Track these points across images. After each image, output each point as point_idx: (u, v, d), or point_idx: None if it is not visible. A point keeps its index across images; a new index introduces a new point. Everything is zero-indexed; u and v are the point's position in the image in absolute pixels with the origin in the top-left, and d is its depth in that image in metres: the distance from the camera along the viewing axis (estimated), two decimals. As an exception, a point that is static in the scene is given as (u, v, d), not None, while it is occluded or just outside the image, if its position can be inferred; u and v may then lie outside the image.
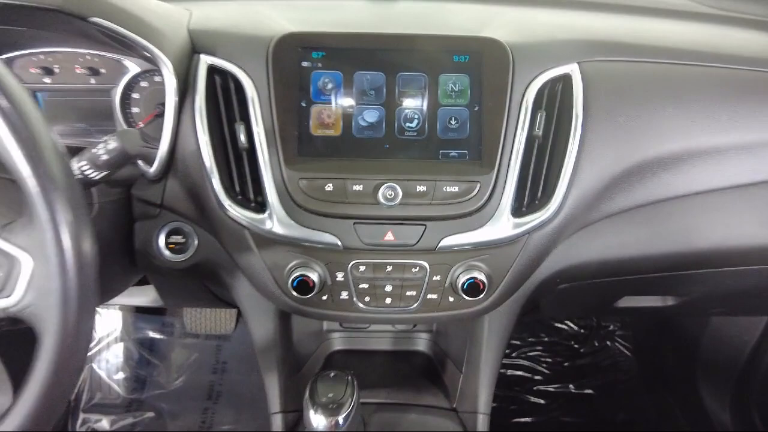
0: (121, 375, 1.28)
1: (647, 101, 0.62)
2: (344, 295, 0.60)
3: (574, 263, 0.65)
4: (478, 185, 0.57)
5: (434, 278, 0.59)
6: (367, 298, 0.60)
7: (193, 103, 0.58)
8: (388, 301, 0.60)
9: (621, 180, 0.61)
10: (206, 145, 0.58)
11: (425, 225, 0.57)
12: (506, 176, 0.58)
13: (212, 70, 0.59)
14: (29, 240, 0.37)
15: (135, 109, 0.71)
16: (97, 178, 0.50)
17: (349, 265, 0.58)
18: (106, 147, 0.49)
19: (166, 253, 0.63)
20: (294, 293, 0.58)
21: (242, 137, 0.57)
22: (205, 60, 0.60)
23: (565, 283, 0.68)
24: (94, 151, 0.48)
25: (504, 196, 0.58)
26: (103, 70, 0.69)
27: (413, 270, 0.59)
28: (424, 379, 0.78)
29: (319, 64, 0.58)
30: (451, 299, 0.60)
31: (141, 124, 0.72)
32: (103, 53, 0.69)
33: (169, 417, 1.25)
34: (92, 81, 0.70)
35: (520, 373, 1.33)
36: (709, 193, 0.65)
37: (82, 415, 1.24)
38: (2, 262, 0.37)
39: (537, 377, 1.32)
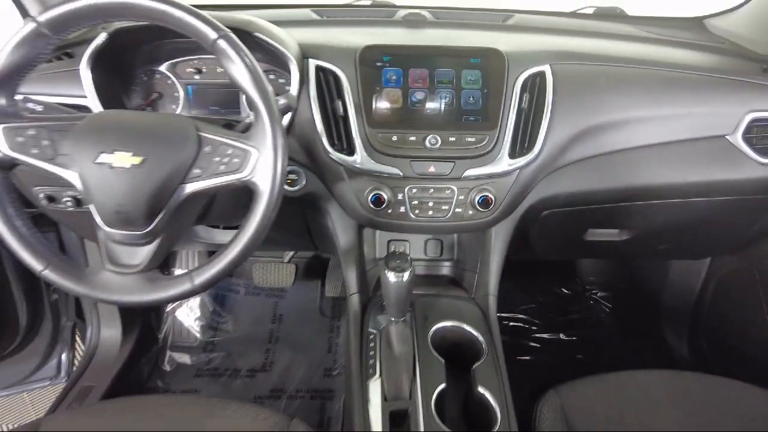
0: (197, 323, 1.59)
1: (594, 87, 0.96)
2: (402, 209, 0.92)
3: (551, 194, 0.99)
4: (487, 137, 0.91)
5: (460, 197, 0.92)
6: (416, 211, 0.92)
7: (308, 89, 0.93)
8: (430, 213, 0.93)
9: (578, 137, 0.95)
10: (318, 114, 0.92)
11: (454, 162, 0.91)
12: (504, 133, 0.91)
13: (318, 68, 0.94)
14: (257, 142, 0.70)
15: (253, 97, 1.05)
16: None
17: (406, 188, 0.91)
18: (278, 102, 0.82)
19: (285, 186, 0.97)
20: (371, 206, 0.91)
21: (340, 109, 0.91)
22: (313, 62, 0.94)
23: (546, 210, 1.01)
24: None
25: (503, 145, 0.91)
26: None
27: (446, 192, 0.92)
28: (449, 285, 1.10)
29: (387, 64, 0.93)
30: (470, 212, 0.93)
31: (258, 108, 1.06)
32: None
33: (237, 356, 1.55)
34: (227, 78, 1.05)
35: (521, 324, 1.63)
36: (638, 148, 0.99)
37: (169, 353, 1.54)
38: (241, 153, 0.70)
39: (534, 327, 1.63)
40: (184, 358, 1.53)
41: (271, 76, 1.02)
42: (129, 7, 0.67)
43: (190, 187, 0.71)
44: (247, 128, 0.85)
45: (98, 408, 0.84)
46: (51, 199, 1.04)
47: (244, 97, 0.77)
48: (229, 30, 0.68)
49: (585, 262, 1.76)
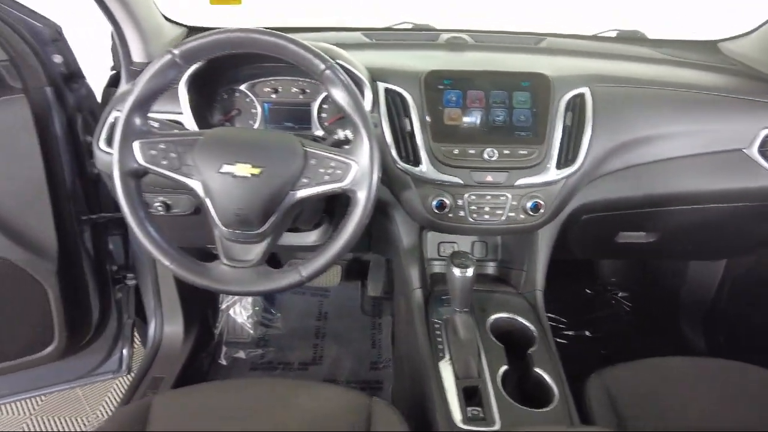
0: (250, 320, 1.71)
1: (627, 107, 1.10)
2: (461, 213, 1.05)
3: (590, 200, 1.12)
4: (537, 151, 1.04)
5: (513, 203, 1.05)
6: (474, 215, 1.05)
7: (379, 108, 1.06)
8: (486, 217, 1.05)
9: (614, 151, 1.08)
10: (387, 130, 1.04)
11: (509, 172, 1.04)
12: (552, 147, 1.04)
13: (387, 90, 1.07)
14: (356, 156, 0.82)
15: (324, 115, 1.18)
16: (350, 139, 0.96)
17: (465, 195, 1.04)
18: None
19: None
20: (435, 211, 1.03)
21: (408, 126, 1.04)
22: (382, 85, 1.07)
23: (585, 214, 1.14)
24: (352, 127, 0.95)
25: (551, 157, 1.04)
26: (308, 90, 1.17)
27: (501, 198, 1.04)
28: (495, 282, 1.22)
29: (448, 87, 1.06)
30: (522, 216, 1.05)
31: (327, 124, 1.19)
32: (310, 80, 1.17)
33: (288, 350, 1.67)
34: (300, 97, 1.18)
35: (550, 322, 1.75)
36: (665, 160, 1.12)
37: (224, 348, 1.66)
38: (343, 166, 0.82)
39: (561, 325, 1.75)
40: (239, 353, 1.65)
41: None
42: (253, 41, 0.80)
43: (299, 194, 0.83)
44: (336, 143, 0.98)
45: (196, 389, 0.95)
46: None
47: (312, 113, 0.90)
48: (333, 61, 0.81)
49: (605, 264, 1.88)
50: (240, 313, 1.70)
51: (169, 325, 1.56)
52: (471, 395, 0.90)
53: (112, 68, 1.33)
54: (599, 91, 1.09)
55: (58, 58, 1.20)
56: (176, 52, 0.81)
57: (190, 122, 1.07)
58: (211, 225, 0.86)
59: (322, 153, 0.83)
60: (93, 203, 1.40)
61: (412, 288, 1.12)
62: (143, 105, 0.83)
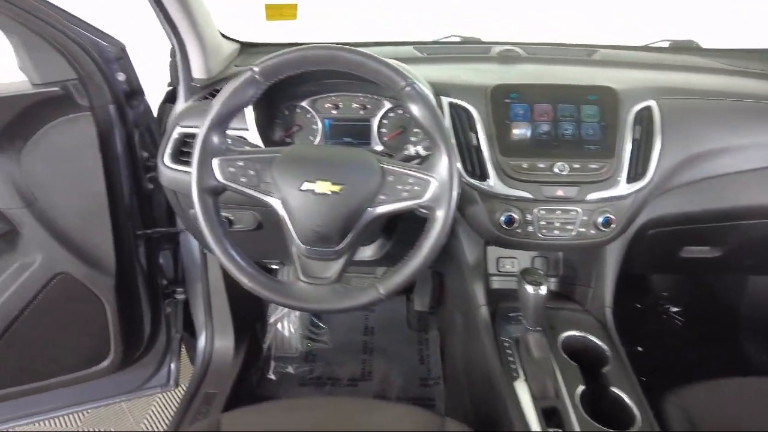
0: (297, 334, 1.70)
1: (694, 119, 1.07)
2: (530, 228, 1.03)
3: (659, 215, 1.09)
4: (607, 165, 1.02)
5: (583, 218, 1.02)
6: (544, 231, 1.03)
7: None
8: (556, 232, 1.03)
9: (683, 164, 1.06)
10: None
11: (579, 186, 1.01)
12: (622, 160, 1.02)
13: (452, 105, 1.06)
14: (436, 173, 0.81)
15: (383, 130, 1.18)
16: (424, 155, 0.95)
17: (535, 210, 1.02)
18: None
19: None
20: (503, 227, 1.02)
21: (474, 140, 1.03)
22: (446, 100, 1.06)
23: (653, 229, 1.11)
24: (427, 142, 0.94)
25: (621, 171, 1.02)
26: (368, 106, 1.17)
27: (571, 213, 1.02)
28: (557, 298, 1.20)
29: (515, 100, 1.05)
30: (592, 231, 1.03)
31: (386, 139, 1.19)
32: (370, 95, 1.17)
33: (336, 365, 1.65)
34: (361, 113, 1.18)
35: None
36: (735, 174, 1.09)
37: (273, 362, 1.66)
38: (422, 182, 0.81)
39: (613, 341, 1.71)
40: (288, 368, 1.64)
41: (391, 114, 1.15)
42: (335, 58, 0.80)
43: (377, 210, 0.82)
44: (406, 159, 0.97)
45: (265, 408, 0.95)
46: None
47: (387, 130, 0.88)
48: (413, 78, 0.81)
49: (656, 277, 1.84)
50: (288, 326, 1.70)
51: (219, 340, 1.56)
52: (550, 416, 0.88)
53: (169, 84, 1.35)
54: (666, 103, 1.07)
55: (121, 76, 1.22)
56: (257, 69, 0.81)
57: (255, 138, 1.08)
58: (288, 242, 0.86)
59: (400, 169, 0.82)
60: (147, 218, 1.42)
61: (477, 305, 1.10)
62: (222, 122, 0.83)
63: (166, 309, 1.60)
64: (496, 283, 1.25)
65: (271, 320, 1.70)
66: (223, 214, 1.14)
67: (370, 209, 0.82)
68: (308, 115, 1.17)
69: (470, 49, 1.46)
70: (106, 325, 1.35)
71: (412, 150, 0.96)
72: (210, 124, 0.82)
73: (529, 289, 0.94)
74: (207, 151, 0.82)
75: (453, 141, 0.81)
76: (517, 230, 1.04)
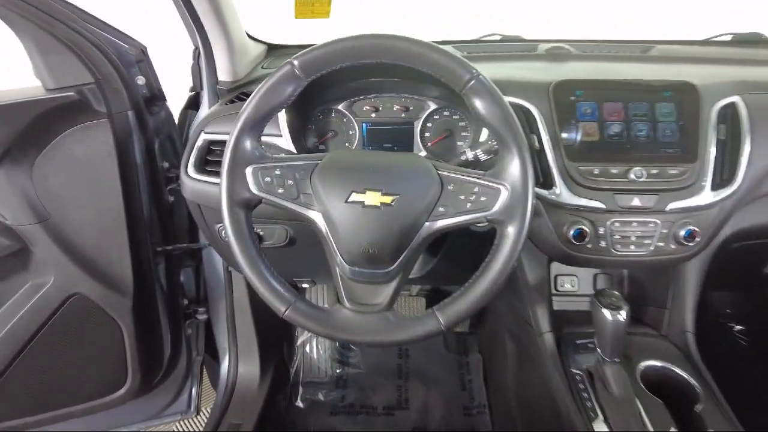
0: (327, 357, 1.58)
1: None
2: (603, 243, 0.90)
3: (746, 226, 0.95)
4: (689, 170, 0.89)
5: (662, 231, 0.89)
6: (618, 246, 0.90)
7: None
8: (632, 247, 0.90)
9: None
10: None
11: (658, 194, 0.88)
12: (706, 164, 0.89)
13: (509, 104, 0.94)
14: (506, 180, 0.69)
15: (427, 134, 1.06)
16: (483, 160, 0.83)
17: (608, 222, 0.90)
18: None
19: None
20: (572, 241, 0.89)
21: (536, 143, 0.91)
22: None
23: (737, 242, 0.98)
24: (489, 144, 0.82)
25: (706, 177, 0.89)
26: (411, 108, 1.06)
27: (649, 225, 0.89)
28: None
29: (581, 98, 0.93)
30: (672, 246, 0.90)
31: (430, 144, 1.07)
32: (413, 96, 1.05)
33: (370, 391, 1.52)
34: (402, 115, 1.07)
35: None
36: None
37: (301, 389, 1.53)
38: (489, 191, 0.70)
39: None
40: (318, 395, 1.51)
41: (436, 117, 1.04)
42: (387, 49, 0.69)
43: (437, 225, 0.71)
44: (464, 165, 0.85)
45: None
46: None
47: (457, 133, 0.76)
48: (479, 71, 0.69)
49: (718, 294, 1.68)
50: (316, 348, 1.58)
51: (244, 364, 1.45)
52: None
53: (191, 89, 1.25)
54: (754, 99, 0.93)
55: (141, 80, 1.13)
56: (296, 62, 0.70)
57: (288, 145, 0.97)
58: (331, 262, 0.74)
59: (463, 177, 0.70)
60: (167, 233, 1.32)
61: (539, 331, 0.97)
62: (256, 125, 0.72)
63: (187, 330, 1.49)
64: (556, 303, 1.12)
65: (299, 342, 1.58)
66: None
67: (427, 224, 0.70)
68: (344, 120, 1.06)
69: (514, 47, 1.34)
70: (123, 349, 1.25)
71: (469, 154, 0.84)
72: (243, 126, 0.71)
73: (607, 314, 0.81)
74: (239, 157, 0.72)
75: (527, 142, 0.68)
76: (588, 245, 0.91)
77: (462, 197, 0.70)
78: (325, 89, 1.02)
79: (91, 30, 1.04)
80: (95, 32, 1.04)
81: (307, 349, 1.58)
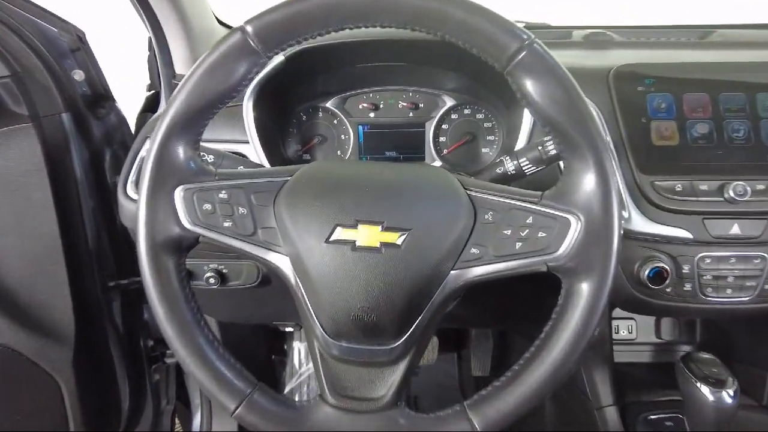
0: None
1: None
2: (688, 286, 0.66)
3: None
4: (809, 185, 0.64)
5: (773, 269, 0.65)
6: (708, 290, 0.65)
7: None
8: (729, 291, 0.65)
9: None
10: None
11: (767, 220, 0.64)
12: None
13: None
14: (577, 205, 0.44)
15: (442, 139, 0.82)
16: (529, 173, 0.59)
17: (696, 257, 0.65)
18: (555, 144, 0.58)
19: None
20: (647, 284, 0.64)
21: None
22: None
23: None
24: (540, 149, 0.58)
25: None
26: (421, 105, 0.82)
27: (755, 261, 0.65)
28: None
29: (652, 88, 0.69)
30: (786, 290, 0.65)
31: (445, 152, 0.83)
32: (425, 89, 0.82)
33: None
34: (410, 114, 0.83)
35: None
36: None
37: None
38: (550, 223, 0.45)
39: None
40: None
41: (453, 116, 0.80)
42: (389, 5, 0.44)
43: (466, 276, 0.46)
44: (500, 181, 0.60)
45: None
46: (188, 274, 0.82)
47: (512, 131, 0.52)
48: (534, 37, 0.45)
49: None
50: (309, 394, 1.32)
51: (219, 419, 1.20)
52: None
53: (149, 87, 1.02)
54: None
55: (79, 75, 0.90)
56: (250, 29, 0.46)
57: (258, 155, 0.73)
58: (306, 333, 0.50)
59: (507, 200, 0.46)
60: (124, 264, 1.08)
61: (599, 404, 0.73)
62: (192, 124, 0.48)
63: (154, 376, 1.26)
64: None
65: (288, 388, 1.33)
66: (212, 265, 0.80)
67: (454, 273, 0.46)
68: (335, 121, 0.82)
69: (544, 35, 1.10)
70: (63, 409, 1.01)
71: (508, 165, 0.60)
72: (171, 125, 0.47)
73: (707, 393, 0.57)
74: (165, 173, 0.48)
75: (608, 140, 0.44)
76: (667, 289, 0.66)
77: (507, 232, 0.46)
78: (308, 80, 0.79)
79: (8, 9, 0.81)
80: (14, 12, 0.82)
81: (297, 397, 1.33)
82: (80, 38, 0.89)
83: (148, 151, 0.48)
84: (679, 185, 0.65)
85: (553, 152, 0.56)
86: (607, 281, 0.44)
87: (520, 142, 0.69)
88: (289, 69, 0.71)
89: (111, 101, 0.98)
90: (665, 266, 0.64)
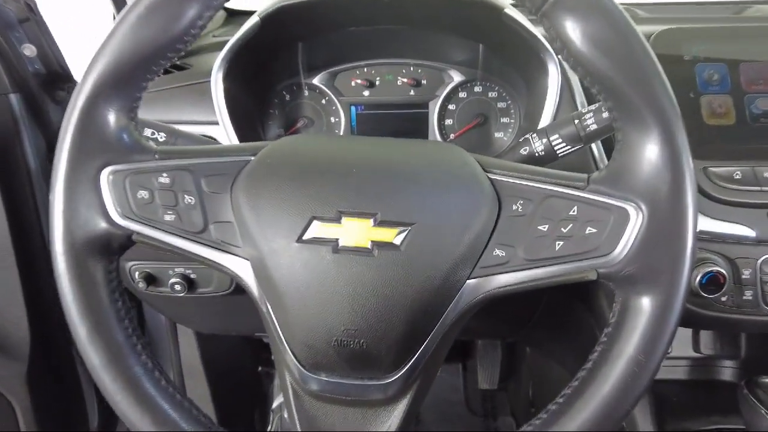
0: (311, 424, 1.22)
1: None
2: (748, 294, 0.54)
3: None
4: None
5: None
6: (774, 299, 0.54)
7: (574, 99, 0.58)
8: (798, 301, 0.54)
9: None
10: None
11: None
12: None
13: None
14: (638, 191, 0.33)
15: (448, 121, 0.71)
16: (562, 154, 0.48)
17: (759, 260, 0.53)
18: (596, 116, 0.46)
19: None
20: (699, 292, 0.53)
21: None
22: None
23: None
24: (578, 122, 0.46)
25: None
26: (424, 81, 0.70)
27: (830, 265, 0.53)
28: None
29: (701, 58, 0.58)
30: None
31: (453, 137, 0.72)
32: (428, 62, 0.70)
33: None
34: (411, 93, 0.71)
35: None
36: None
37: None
38: (601, 215, 0.34)
39: None
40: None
41: (462, 94, 0.69)
42: None
43: (488, 285, 0.35)
44: (534, 160, 0.49)
45: None
46: (150, 279, 0.70)
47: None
48: None
49: None
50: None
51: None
52: None
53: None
54: None
55: (29, 50, 0.78)
56: None
57: (230, 139, 0.61)
58: (276, 359, 0.39)
59: (542, 185, 0.35)
60: None
61: (635, 428, 0.61)
62: (125, 81, 0.36)
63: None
64: None
65: (276, 403, 1.21)
66: (177, 270, 0.69)
67: (472, 283, 0.35)
68: (323, 101, 0.71)
69: None
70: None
71: (536, 144, 0.48)
72: (95, 84, 0.35)
73: None
74: (87, 150, 0.36)
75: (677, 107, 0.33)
76: (723, 298, 0.54)
77: (543, 228, 0.34)
78: (289, 48, 0.67)
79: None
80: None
81: (286, 414, 1.22)
82: (30, 6, 0.77)
83: (65, 119, 0.36)
84: (738, 172, 0.53)
85: (594, 127, 0.45)
86: (679, 294, 0.33)
87: (545, 120, 0.58)
88: (266, 34, 0.59)
89: (72, 82, 0.86)
90: (721, 270, 0.52)
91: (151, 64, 0.37)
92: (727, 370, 0.76)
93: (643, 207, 0.33)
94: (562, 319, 0.70)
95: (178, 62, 0.74)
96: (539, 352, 0.98)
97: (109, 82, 0.36)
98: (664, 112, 0.33)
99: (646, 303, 0.33)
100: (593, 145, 0.57)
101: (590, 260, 0.34)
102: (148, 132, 0.48)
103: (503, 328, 0.83)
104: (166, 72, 0.71)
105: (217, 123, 0.61)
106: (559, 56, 0.56)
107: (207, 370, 1.03)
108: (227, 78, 0.60)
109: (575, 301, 0.68)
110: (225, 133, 0.61)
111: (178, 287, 0.67)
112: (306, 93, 0.71)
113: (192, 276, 0.68)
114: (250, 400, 1.21)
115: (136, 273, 0.69)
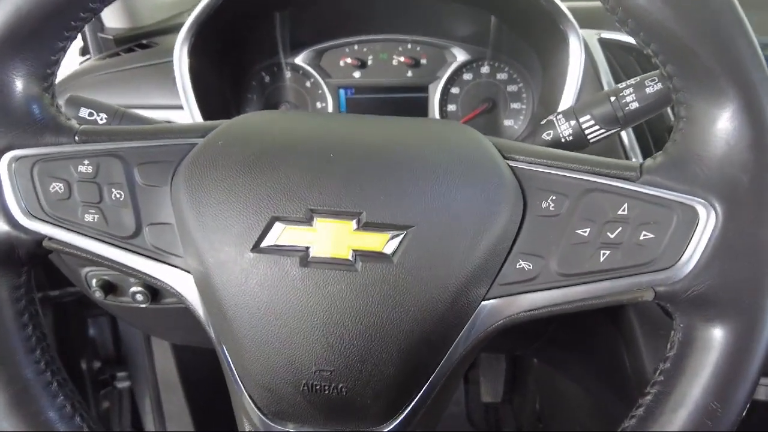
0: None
1: None
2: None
3: None
4: None
5: None
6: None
7: (599, 77, 0.50)
8: None
9: None
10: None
11: None
12: None
13: (608, 42, 0.51)
14: (711, 186, 0.25)
15: (451, 107, 0.62)
16: (594, 139, 0.39)
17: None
18: (637, 93, 0.37)
19: None
20: None
21: (670, 116, 0.47)
22: (595, 34, 0.52)
23: None
24: (614, 100, 0.37)
25: None
26: (423, 61, 0.62)
27: None
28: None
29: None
30: None
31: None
32: (428, 39, 0.61)
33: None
34: (409, 74, 0.63)
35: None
36: None
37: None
38: (660, 216, 0.25)
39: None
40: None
41: (467, 76, 0.60)
42: None
43: (510, 308, 0.26)
44: (563, 145, 0.40)
45: None
46: (109, 288, 0.62)
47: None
48: None
49: None
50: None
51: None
52: None
53: (82, 51, 0.82)
54: None
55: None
56: None
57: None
58: (233, 400, 0.30)
59: (580, 176, 0.26)
60: (54, 272, 0.88)
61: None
62: (35, 37, 0.28)
63: (103, 403, 1.07)
64: None
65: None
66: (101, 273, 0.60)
67: (489, 304, 0.26)
68: (308, 83, 0.62)
69: None
70: None
71: (563, 127, 0.39)
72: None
73: None
74: None
75: (766, 71, 0.24)
76: None
77: (583, 232, 0.26)
78: (266, 20, 0.58)
79: None
80: None
81: None
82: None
83: None
84: None
85: (636, 105, 0.36)
86: (766, 322, 0.25)
87: (565, 105, 0.49)
88: (237, 1, 0.50)
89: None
90: None
91: (66, 16, 0.28)
92: (763, 390, 0.68)
93: (717, 205, 0.25)
94: (581, 333, 0.62)
95: (144, 41, 0.66)
96: (549, 365, 0.90)
97: (9, 38, 0.27)
98: (747, 78, 0.24)
99: (719, 334, 0.25)
100: (623, 132, 0.49)
101: (645, 275, 0.25)
102: (84, 112, 0.40)
103: (512, 343, 0.75)
104: (129, 51, 0.63)
105: (180, 107, 0.52)
106: (584, 29, 0.48)
107: (184, 383, 0.95)
108: (193, 53, 0.51)
109: (596, 312, 0.60)
110: (191, 118, 0.52)
111: (140, 297, 0.59)
112: (288, 74, 0.62)
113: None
114: (230, 415, 1.13)
115: (93, 280, 0.60)
